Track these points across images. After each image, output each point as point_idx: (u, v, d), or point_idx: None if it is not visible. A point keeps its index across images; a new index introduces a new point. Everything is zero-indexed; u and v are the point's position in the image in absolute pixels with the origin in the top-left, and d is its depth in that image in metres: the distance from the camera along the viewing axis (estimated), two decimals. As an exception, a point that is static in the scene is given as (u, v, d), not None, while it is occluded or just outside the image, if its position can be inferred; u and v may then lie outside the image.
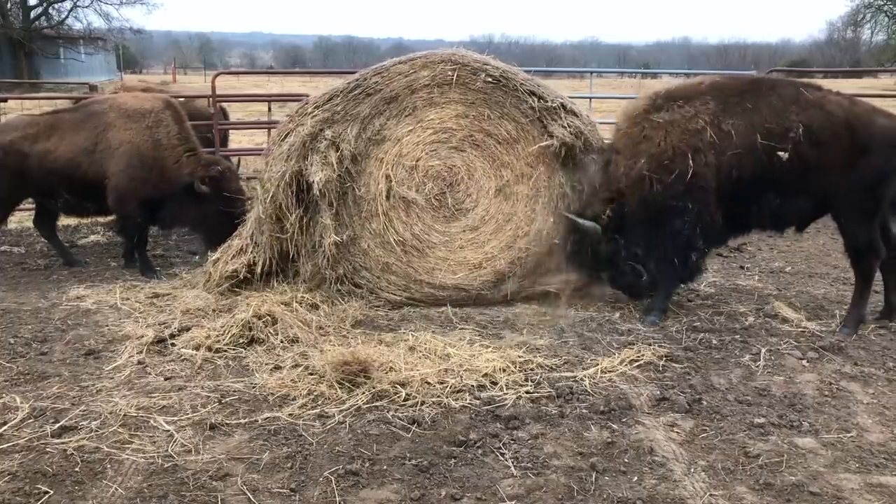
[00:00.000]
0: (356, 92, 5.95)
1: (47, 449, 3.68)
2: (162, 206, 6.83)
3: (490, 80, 6.00)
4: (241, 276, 6.01)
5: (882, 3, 47.30)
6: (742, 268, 7.31)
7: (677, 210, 5.45)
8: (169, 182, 6.74)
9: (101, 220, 8.56)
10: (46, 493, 3.32)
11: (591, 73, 18.55)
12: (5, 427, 3.88)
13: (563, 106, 6.04)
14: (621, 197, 5.69)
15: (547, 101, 6.02)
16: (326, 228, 5.86)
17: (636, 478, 3.50)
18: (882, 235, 5.43)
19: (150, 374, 4.63)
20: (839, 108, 5.29)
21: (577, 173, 6.00)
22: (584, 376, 4.55)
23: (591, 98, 14.42)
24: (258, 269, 5.99)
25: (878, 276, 5.58)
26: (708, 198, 5.44)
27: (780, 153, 5.25)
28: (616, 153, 5.72)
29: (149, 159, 6.70)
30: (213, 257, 6.25)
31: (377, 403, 4.19)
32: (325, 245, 5.86)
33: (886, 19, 48.52)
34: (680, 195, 5.42)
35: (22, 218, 9.19)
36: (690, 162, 5.37)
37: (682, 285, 6.01)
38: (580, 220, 5.76)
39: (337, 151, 5.82)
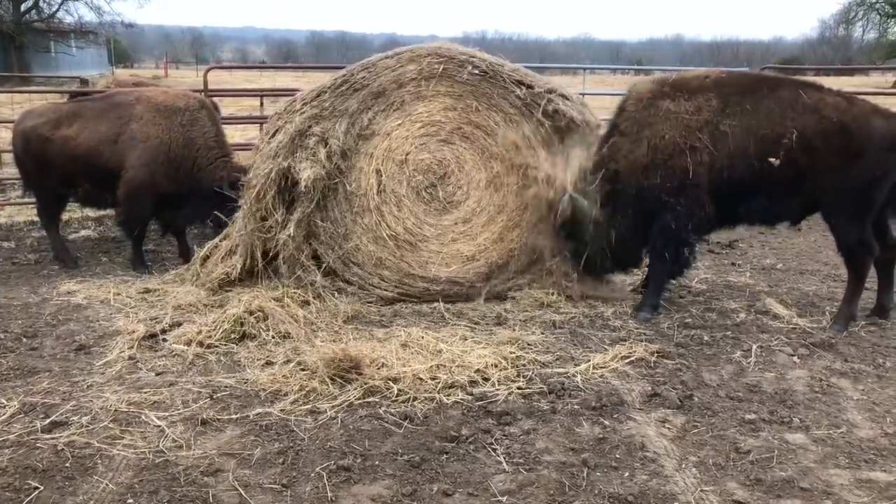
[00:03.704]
0: (343, 87, 5.92)
1: (37, 444, 3.66)
2: (179, 205, 6.76)
3: (477, 72, 6.00)
4: (233, 278, 5.98)
5: (874, 0, 47.45)
6: (734, 265, 7.33)
7: (669, 206, 5.46)
8: (199, 182, 6.67)
9: (91, 214, 8.53)
10: (36, 488, 3.30)
11: (585, 69, 18.54)
12: (-5, 422, 3.86)
13: (552, 90, 6.04)
14: (617, 177, 5.65)
15: (535, 88, 6.03)
16: (288, 223, 5.79)
17: (627, 473, 3.51)
18: (879, 234, 5.44)
19: (141, 369, 4.61)
20: (835, 112, 5.24)
21: (572, 151, 5.91)
22: (576, 372, 4.56)
23: (583, 94, 14.39)
24: (239, 268, 5.94)
25: (871, 272, 5.60)
26: (700, 196, 5.45)
27: (772, 159, 5.25)
28: (620, 134, 5.67)
29: (177, 157, 6.64)
30: (202, 254, 6.21)
31: (369, 399, 4.19)
32: (281, 241, 5.79)
33: (878, 17, 48.68)
34: (674, 191, 5.44)
35: (11, 212, 9.17)
36: (688, 160, 5.37)
37: (672, 280, 6.02)
38: (579, 198, 5.66)
39: (326, 147, 5.80)
